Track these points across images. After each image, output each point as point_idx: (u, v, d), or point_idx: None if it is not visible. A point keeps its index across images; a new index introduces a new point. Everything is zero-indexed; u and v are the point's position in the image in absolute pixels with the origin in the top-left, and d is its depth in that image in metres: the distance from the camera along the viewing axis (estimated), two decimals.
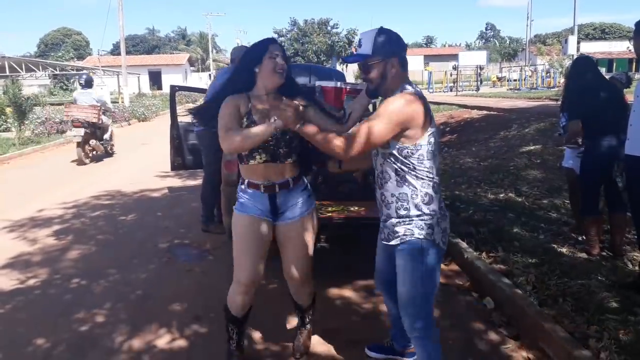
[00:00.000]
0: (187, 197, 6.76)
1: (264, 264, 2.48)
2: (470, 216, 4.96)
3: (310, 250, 2.53)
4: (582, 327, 2.80)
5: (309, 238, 2.51)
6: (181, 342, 3.01)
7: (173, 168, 5.52)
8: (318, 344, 2.94)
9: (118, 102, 22.01)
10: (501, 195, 5.66)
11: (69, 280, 4.00)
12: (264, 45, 2.31)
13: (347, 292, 3.63)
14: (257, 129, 2.13)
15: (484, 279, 3.60)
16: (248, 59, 2.35)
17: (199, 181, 7.62)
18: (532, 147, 7.89)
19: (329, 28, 44.92)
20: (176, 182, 7.72)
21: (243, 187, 2.44)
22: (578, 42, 15.67)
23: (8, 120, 14.56)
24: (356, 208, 3.84)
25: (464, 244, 4.20)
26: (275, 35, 48.73)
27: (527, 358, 2.78)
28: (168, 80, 41.48)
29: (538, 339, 2.83)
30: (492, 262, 3.83)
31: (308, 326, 2.82)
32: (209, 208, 5.00)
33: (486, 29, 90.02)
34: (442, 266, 4.12)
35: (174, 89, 5.34)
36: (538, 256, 3.83)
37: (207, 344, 2.97)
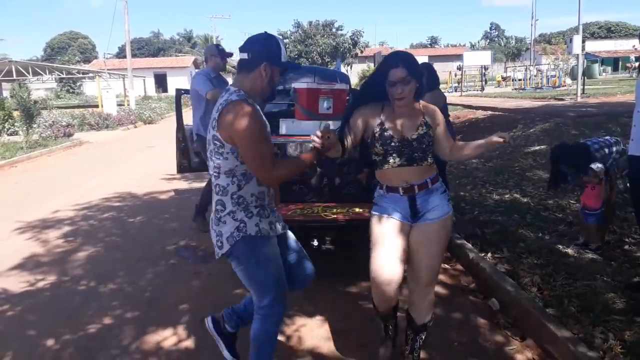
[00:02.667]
0: (193, 200, 6.78)
1: (402, 265, 2.45)
2: (475, 217, 4.97)
3: (442, 256, 2.56)
4: (587, 328, 2.80)
5: (443, 243, 2.50)
6: (189, 344, 3.04)
7: (179, 170, 5.57)
8: (326, 345, 2.97)
9: (124, 105, 22.13)
10: (506, 196, 5.66)
11: (77, 282, 4.05)
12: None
13: (354, 294, 3.65)
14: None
15: (489, 279, 3.61)
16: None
17: (205, 183, 7.67)
18: (537, 148, 7.88)
19: (333, 29, 44.91)
20: (183, 185, 7.77)
21: (382, 191, 2.52)
22: (583, 41, 15.59)
23: (16, 123, 14.70)
24: (361, 209, 3.86)
25: (469, 245, 4.22)
26: (280, 37, 48.67)
27: (532, 359, 2.79)
28: (173, 82, 41.67)
29: (543, 340, 2.84)
30: (497, 263, 3.84)
31: (417, 350, 2.67)
32: (204, 204, 5.21)
33: (490, 29, 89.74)
34: (447, 267, 4.15)
35: (179, 92, 5.39)
36: (543, 257, 3.83)
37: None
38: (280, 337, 3.06)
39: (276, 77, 2.25)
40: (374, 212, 2.52)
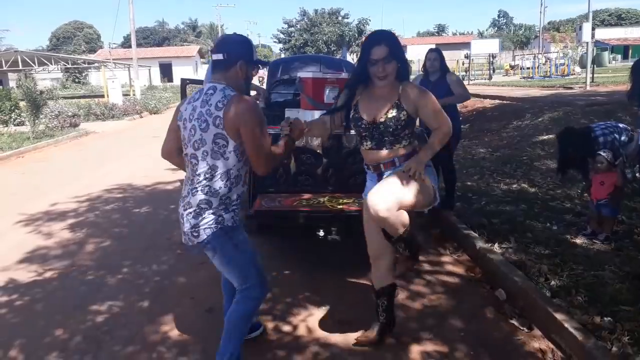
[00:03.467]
0: None
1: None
2: (482, 207, 4.94)
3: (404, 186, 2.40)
4: (595, 318, 2.78)
5: (407, 179, 2.40)
6: (195, 333, 3.05)
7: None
8: (332, 334, 2.97)
9: (130, 95, 22.16)
10: (514, 186, 5.62)
11: (84, 273, 4.07)
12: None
13: (361, 284, 3.64)
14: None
15: (496, 270, 3.59)
16: None
17: None
18: (545, 137, 7.81)
19: (339, 18, 44.61)
20: None
21: (366, 168, 2.66)
22: (593, 29, 15.36)
23: (22, 114, 14.76)
24: None
25: (475, 235, 4.19)
26: (285, 26, 48.52)
27: (539, 349, 2.77)
28: (179, 72, 41.63)
29: (550, 330, 2.83)
30: (504, 253, 3.81)
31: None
32: None
33: (499, 17, 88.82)
34: (454, 257, 4.13)
35: (184, 82, 5.37)
36: (551, 247, 3.81)
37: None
38: (288, 327, 3.07)
39: (250, 74, 2.39)
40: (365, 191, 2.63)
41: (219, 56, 2.30)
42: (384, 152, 2.50)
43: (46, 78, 36.79)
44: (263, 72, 11.39)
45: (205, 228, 2.30)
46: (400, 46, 2.49)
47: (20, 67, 25.40)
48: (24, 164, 9.85)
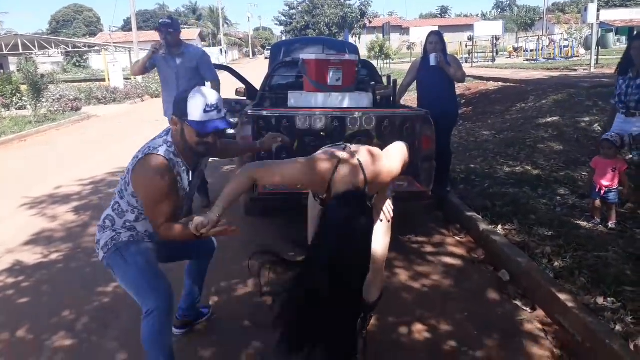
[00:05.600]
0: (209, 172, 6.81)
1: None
2: (485, 189, 4.94)
3: (388, 233, 2.44)
4: (598, 299, 2.80)
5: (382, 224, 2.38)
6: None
7: None
8: None
9: (130, 79, 22.03)
10: (517, 169, 5.61)
11: (89, 255, 4.09)
12: None
13: None
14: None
15: (500, 252, 3.60)
16: None
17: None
18: (549, 119, 7.77)
19: (342, 0, 44.10)
20: None
21: None
22: (598, 10, 15.14)
23: (23, 98, 14.71)
24: None
25: (479, 217, 4.20)
26: (286, 8, 48.00)
27: (542, 329, 2.80)
28: None
29: (554, 310, 2.85)
30: (507, 235, 3.83)
31: (364, 334, 2.56)
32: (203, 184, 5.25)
33: None
34: (457, 239, 4.15)
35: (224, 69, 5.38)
36: (554, 229, 3.81)
37: (227, 318, 3.04)
38: None
39: (188, 134, 2.17)
40: None
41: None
42: None
43: (47, 62, 36.57)
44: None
45: (103, 245, 2.28)
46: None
47: (21, 51, 25.24)
48: (26, 147, 9.85)
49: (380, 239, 2.39)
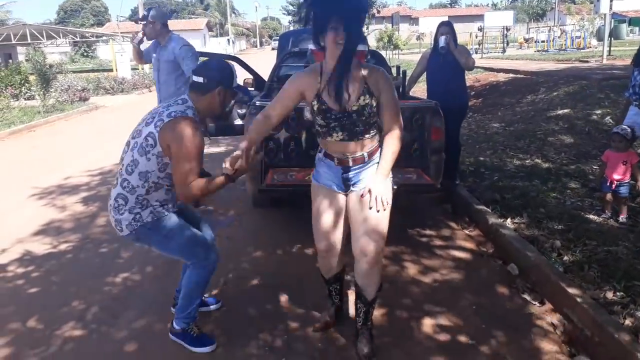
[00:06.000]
0: (210, 165, 6.81)
1: (339, 234, 2.48)
2: (495, 182, 4.90)
3: (381, 224, 2.33)
4: (607, 293, 2.78)
5: (378, 210, 2.28)
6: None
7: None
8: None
9: (138, 69, 22.04)
10: (527, 161, 5.56)
11: (98, 245, 4.12)
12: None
13: None
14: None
15: (509, 245, 3.58)
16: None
17: (221, 148, 7.69)
18: (560, 112, 7.69)
19: None
20: None
21: (320, 155, 2.45)
22: (611, 0, 14.95)
23: (32, 88, 14.77)
24: None
25: (488, 210, 4.17)
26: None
27: (551, 324, 2.78)
28: None
29: (563, 304, 2.83)
30: (516, 229, 3.80)
31: (370, 325, 2.57)
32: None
33: None
34: (466, 232, 4.13)
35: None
36: (564, 222, 3.78)
37: (235, 309, 3.05)
38: (300, 301, 3.09)
39: (228, 101, 2.46)
40: (313, 178, 2.50)
41: (199, 79, 2.37)
42: (354, 143, 2.29)
43: (55, 52, 36.64)
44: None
45: (127, 224, 2.37)
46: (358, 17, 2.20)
47: (29, 41, 25.33)
48: (35, 138, 9.90)
49: (373, 231, 2.31)
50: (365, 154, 2.33)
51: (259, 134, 2.34)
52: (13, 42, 26.33)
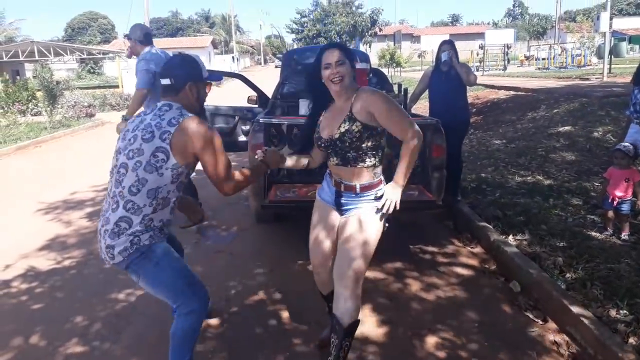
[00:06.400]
0: None
1: (332, 250, 2.49)
2: (496, 199, 4.92)
3: (364, 253, 2.32)
4: (610, 311, 2.78)
5: (363, 239, 2.32)
6: (213, 322, 3.09)
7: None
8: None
9: None
10: (529, 178, 5.58)
11: (102, 261, 4.13)
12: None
13: (375, 273, 3.66)
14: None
15: (510, 262, 3.58)
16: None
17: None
18: (561, 129, 7.73)
19: (353, 8, 44.29)
20: None
21: (327, 171, 2.55)
22: (611, 19, 15.06)
23: (39, 104, 14.93)
24: None
25: (490, 227, 4.18)
26: (298, 16, 48.29)
27: (554, 342, 2.78)
28: None
29: (565, 322, 2.83)
30: (518, 246, 3.81)
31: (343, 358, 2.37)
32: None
33: (514, 6, 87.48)
34: (468, 249, 4.13)
35: (220, 76, 5.40)
36: (566, 239, 3.79)
37: (238, 325, 3.06)
38: (302, 320, 3.10)
39: (203, 92, 2.37)
40: (317, 193, 2.60)
41: (167, 81, 2.26)
42: (348, 169, 2.35)
43: (62, 68, 37.07)
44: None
45: (120, 250, 2.16)
46: (352, 52, 2.39)
47: (37, 58, 25.64)
48: (42, 153, 9.99)
49: (355, 256, 2.29)
50: (358, 186, 2.34)
51: (297, 159, 2.69)
52: (21, 58, 26.68)
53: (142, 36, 4.67)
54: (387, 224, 2.41)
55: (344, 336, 2.29)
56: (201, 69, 2.34)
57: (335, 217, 2.48)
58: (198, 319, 2.35)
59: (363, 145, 2.29)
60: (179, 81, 2.26)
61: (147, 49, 4.66)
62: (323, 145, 2.41)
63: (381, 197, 2.32)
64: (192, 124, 2.17)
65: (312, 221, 2.57)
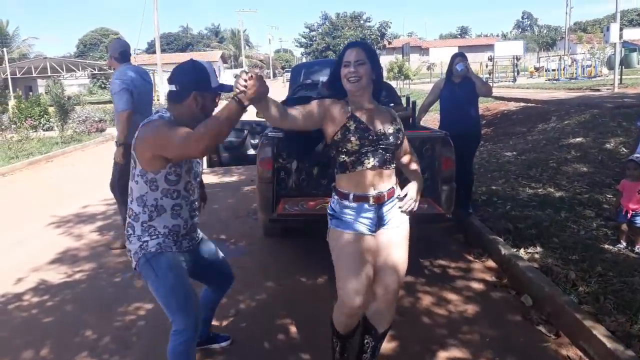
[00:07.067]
0: (223, 194, 6.89)
1: (371, 288, 2.28)
2: (507, 212, 4.88)
3: (406, 262, 2.35)
4: (624, 325, 2.73)
5: (406, 249, 2.34)
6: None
7: (209, 165, 5.65)
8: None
9: (155, 100, 22.51)
10: (540, 190, 5.54)
11: (113, 274, 4.16)
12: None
13: None
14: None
15: (522, 275, 3.54)
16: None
17: (234, 177, 7.77)
18: (572, 140, 7.67)
19: (361, 22, 44.62)
20: (212, 179, 7.88)
21: (346, 202, 2.23)
22: (621, 29, 15.02)
23: (51, 119, 15.15)
24: None
25: (501, 240, 4.15)
26: (307, 30, 48.70)
27: (567, 357, 2.73)
28: None
29: (578, 337, 2.78)
30: (530, 259, 3.76)
31: (376, 357, 2.50)
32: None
33: (523, 18, 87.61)
34: (479, 262, 4.09)
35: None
36: (578, 253, 3.74)
37: (246, 340, 3.04)
38: (311, 335, 3.08)
39: (209, 104, 2.22)
40: (336, 228, 2.24)
41: (172, 87, 2.19)
42: (385, 171, 2.23)
43: (73, 84, 37.65)
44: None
45: (134, 254, 2.25)
46: (377, 56, 2.29)
47: (49, 74, 26.09)
48: (53, 168, 10.10)
49: (398, 269, 2.28)
50: (396, 188, 2.32)
51: (272, 102, 2.04)
52: (34, 74, 27.18)
53: (118, 54, 4.63)
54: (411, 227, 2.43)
55: (380, 339, 2.45)
56: (209, 78, 2.21)
57: (372, 246, 2.26)
58: (184, 342, 2.22)
59: (396, 151, 2.31)
60: (184, 89, 2.16)
61: (121, 67, 4.57)
62: (370, 137, 2.17)
63: (404, 197, 2.31)
64: (142, 130, 2.12)
65: (346, 259, 2.21)
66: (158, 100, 22.06)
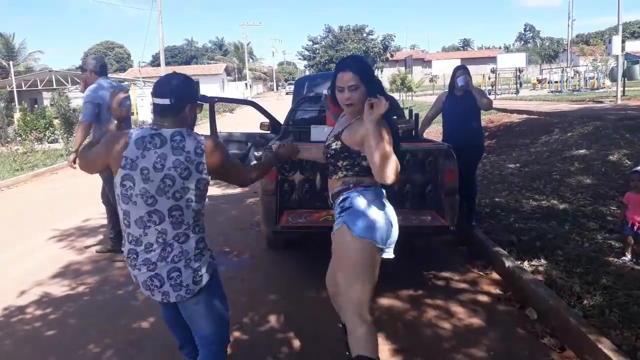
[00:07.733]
0: (226, 206, 6.90)
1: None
2: (511, 224, 4.86)
3: (348, 273, 2.36)
4: (630, 339, 2.71)
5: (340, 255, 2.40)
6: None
7: (213, 177, 5.67)
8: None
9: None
10: (543, 202, 5.52)
11: (115, 288, 4.15)
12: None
13: (389, 301, 3.62)
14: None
15: (526, 288, 3.52)
16: None
17: (237, 189, 7.77)
18: (575, 152, 7.67)
19: (364, 34, 44.92)
20: (216, 191, 7.88)
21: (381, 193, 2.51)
22: (623, 41, 15.02)
23: (56, 132, 15.23)
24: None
25: (505, 253, 4.13)
26: (310, 43, 49.04)
27: None
28: (206, 89, 42.06)
29: (584, 351, 2.76)
30: (534, 272, 3.74)
31: None
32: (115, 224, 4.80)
33: (525, 30, 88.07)
34: (483, 275, 4.07)
35: (213, 99, 5.49)
36: (583, 265, 3.72)
37: (249, 353, 3.03)
38: (313, 350, 3.06)
39: (195, 114, 2.30)
40: (359, 235, 2.28)
41: (165, 101, 2.10)
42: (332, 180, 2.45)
43: (79, 96, 37.92)
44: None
45: (207, 268, 2.22)
46: (370, 71, 2.33)
47: (54, 86, 26.33)
48: (57, 180, 10.14)
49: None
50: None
51: (305, 149, 2.77)
52: (39, 87, 27.40)
53: (99, 67, 4.80)
54: (392, 256, 2.38)
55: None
56: (198, 90, 2.40)
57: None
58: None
59: (336, 163, 2.42)
60: (181, 102, 2.13)
61: (100, 80, 4.74)
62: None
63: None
64: (215, 146, 2.20)
65: (372, 271, 2.32)
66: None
